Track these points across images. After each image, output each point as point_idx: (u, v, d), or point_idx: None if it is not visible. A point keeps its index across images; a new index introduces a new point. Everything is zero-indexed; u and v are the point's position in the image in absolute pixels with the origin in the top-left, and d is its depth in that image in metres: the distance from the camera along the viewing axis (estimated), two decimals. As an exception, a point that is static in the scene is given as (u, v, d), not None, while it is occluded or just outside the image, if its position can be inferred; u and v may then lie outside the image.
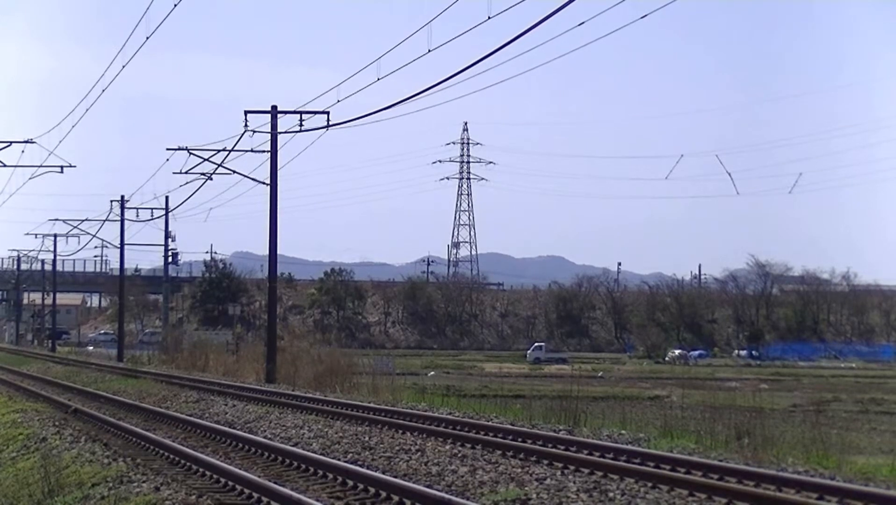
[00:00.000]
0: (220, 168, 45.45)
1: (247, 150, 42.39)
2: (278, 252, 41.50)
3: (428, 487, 13.48)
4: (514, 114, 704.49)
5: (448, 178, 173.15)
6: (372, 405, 25.16)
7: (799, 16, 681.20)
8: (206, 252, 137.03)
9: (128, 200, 68.51)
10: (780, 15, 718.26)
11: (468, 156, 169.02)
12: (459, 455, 16.50)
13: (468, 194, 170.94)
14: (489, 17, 21.11)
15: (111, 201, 69.44)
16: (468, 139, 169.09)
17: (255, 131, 40.16)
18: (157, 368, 51.14)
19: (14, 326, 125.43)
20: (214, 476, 14.96)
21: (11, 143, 46.11)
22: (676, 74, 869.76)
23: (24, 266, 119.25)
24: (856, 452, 22.05)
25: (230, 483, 14.26)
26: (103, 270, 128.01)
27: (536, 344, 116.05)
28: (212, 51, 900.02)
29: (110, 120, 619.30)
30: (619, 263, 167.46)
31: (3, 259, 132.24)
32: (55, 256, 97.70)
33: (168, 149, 46.52)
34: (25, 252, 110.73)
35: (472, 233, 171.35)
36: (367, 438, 18.92)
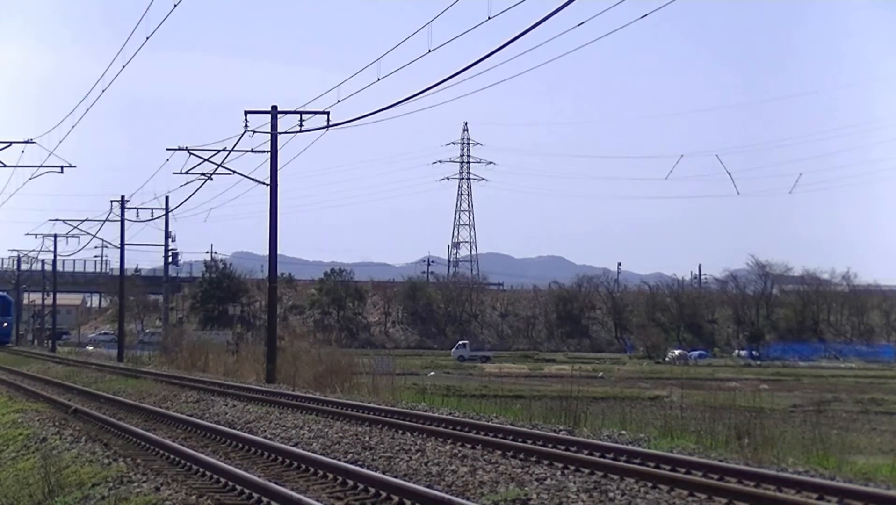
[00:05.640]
0: (220, 168, 45.51)
1: (247, 151, 42.47)
2: (278, 252, 41.52)
3: (428, 487, 13.48)
4: (514, 114, 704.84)
5: (448, 179, 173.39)
6: (372, 405, 25.15)
7: (799, 16, 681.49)
8: (207, 252, 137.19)
9: (128, 201, 68.61)
10: (780, 15, 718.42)
11: (468, 156, 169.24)
12: (459, 455, 16.50)
13: (468, 194, 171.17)
14: (489, 17, 21.16)
15: (111, 201, 69.59)
16: (468, 139, 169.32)
17: (255, 131, 40.19)
18: (158, 368, 51.13)
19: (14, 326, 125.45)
20: (214, 476, 14.96)
21: (11, 143, 46.20)
22: (676, 74, 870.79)
23: (24, 266, 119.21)
24: (856, 452, 22.04)
25: (230, 483, 14.26)
26: (103, 271, 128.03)
27: (461, 342, 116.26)
28: (212, 51, 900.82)
29: (110, 120, 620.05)
30: (619, 263, 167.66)
31: (3, 259, 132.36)
32: (55, 256, 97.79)
33: (168, 149, 46.62)
34: (25, 252, 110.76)
35: (472, 233, 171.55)
36: (367, 439, 18.91)
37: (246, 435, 19.68)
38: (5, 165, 47.53)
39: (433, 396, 32.64)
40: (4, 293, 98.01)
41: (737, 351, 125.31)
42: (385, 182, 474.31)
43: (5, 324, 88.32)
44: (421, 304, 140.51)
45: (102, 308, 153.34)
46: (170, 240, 78.49)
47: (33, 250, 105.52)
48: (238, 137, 41.04)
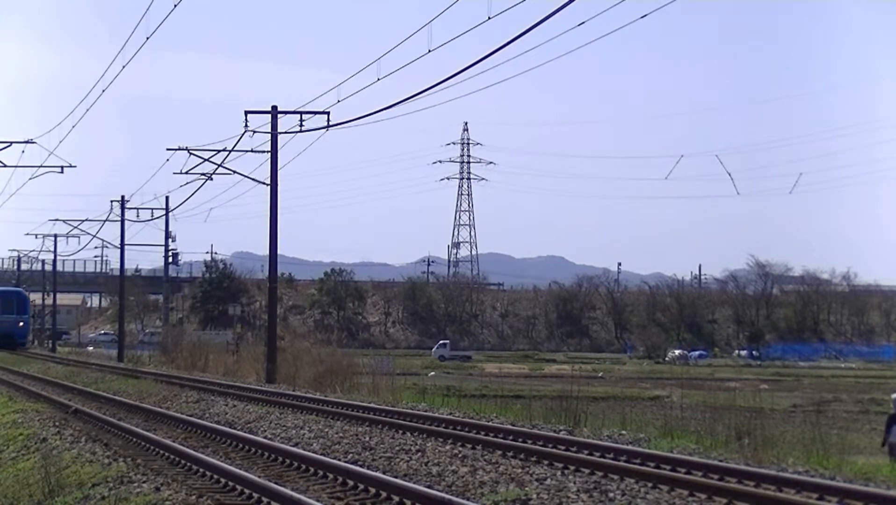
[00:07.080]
0: (220, 168, 45.52)
1: (247, 151, 42.48)
2: (278, 252, 41.51)
3: (428, 487, 13.48)
4: (514, 114, 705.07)
5: (448, 179, 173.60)
6: (372, 405, 25.15)
7: (798, 16, 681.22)
8: (207, 252, 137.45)
9: (128, 201, 68.61)
10: (780, 15, 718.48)
11: (468, 156, 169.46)
12: (460, 455, 16.50)
13: (468, 194, 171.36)
14: (489, 18, 21.17)
15: (111, 201, 69.60)
16: (468, 139, 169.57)
17: (255, 131, 40.20)
18: (158, 368, 51.12)
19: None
20: (214, 476, 14.96)
21: (11, 143, 46.24)
22: (676, 74, 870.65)
23: (24, 266, 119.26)
24: (856, 452, 22.01)
25: (230, 483, 14.25)
26: (103, 271, 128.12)
27: (441, 342, 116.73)
28: (212, 51, 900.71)
29: (110, 120, 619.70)
30: (619, 263, 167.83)
31: (3, 259, 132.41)
32: (55, 256, 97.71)
33: (168, 149, 46.61)
34: (25, 252, 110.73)
35: (472, 233, 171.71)
36: (367, 439, 18.91)
37: (246, 435, 19.68)
38: (5, 165, 47.59)
39: (433, 397, 32.63)
40: (20, 289, 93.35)
41: (737, 351, 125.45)
42: (385, 182, 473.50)
43: (21, 323, 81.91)
44: (421, 304, 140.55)
45: (102, 308, 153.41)
46: (170, 240, 78.63)
47: (33, 250, 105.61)
48: (238, 137, 41.10)
